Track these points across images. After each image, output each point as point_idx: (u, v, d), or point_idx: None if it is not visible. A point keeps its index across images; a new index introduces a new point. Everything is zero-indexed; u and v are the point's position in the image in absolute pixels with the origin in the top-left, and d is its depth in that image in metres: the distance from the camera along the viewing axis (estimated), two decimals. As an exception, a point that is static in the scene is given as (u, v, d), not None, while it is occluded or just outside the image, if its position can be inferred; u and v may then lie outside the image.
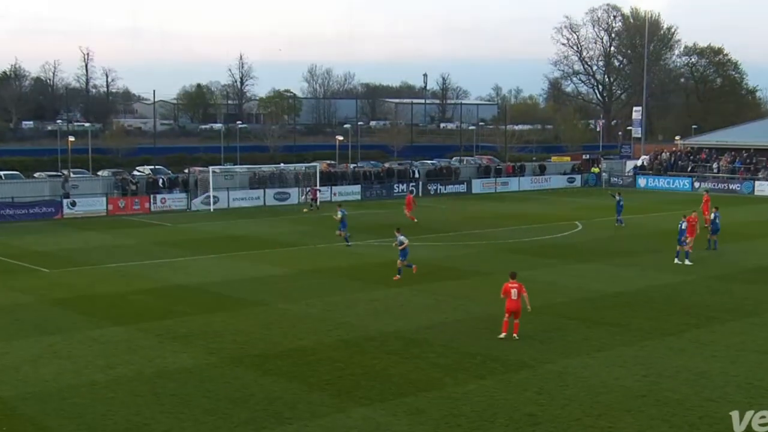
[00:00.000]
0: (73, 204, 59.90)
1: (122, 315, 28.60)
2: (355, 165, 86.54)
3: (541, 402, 19.73)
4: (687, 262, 37.84)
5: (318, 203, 63.88)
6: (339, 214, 45.06)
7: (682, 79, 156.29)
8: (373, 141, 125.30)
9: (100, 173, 78.75)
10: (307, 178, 70.65)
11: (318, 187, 66.95)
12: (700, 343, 24.80)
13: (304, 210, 62.61)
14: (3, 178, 70.89)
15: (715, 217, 41.72)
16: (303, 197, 65.88)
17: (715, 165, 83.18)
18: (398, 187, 75.19)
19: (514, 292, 24.58)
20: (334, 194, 70.60)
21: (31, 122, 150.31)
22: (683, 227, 38.34)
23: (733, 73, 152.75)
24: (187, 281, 34.92)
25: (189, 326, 27.00)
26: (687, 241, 38.27)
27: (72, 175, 72.17)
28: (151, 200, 63.05)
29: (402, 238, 34.82)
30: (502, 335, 24.83)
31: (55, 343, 24.99)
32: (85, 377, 21.63)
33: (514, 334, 24.78)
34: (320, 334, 25.87)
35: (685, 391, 20.40)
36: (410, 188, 68.69)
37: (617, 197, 51.85)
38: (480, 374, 21.83)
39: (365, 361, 22.96)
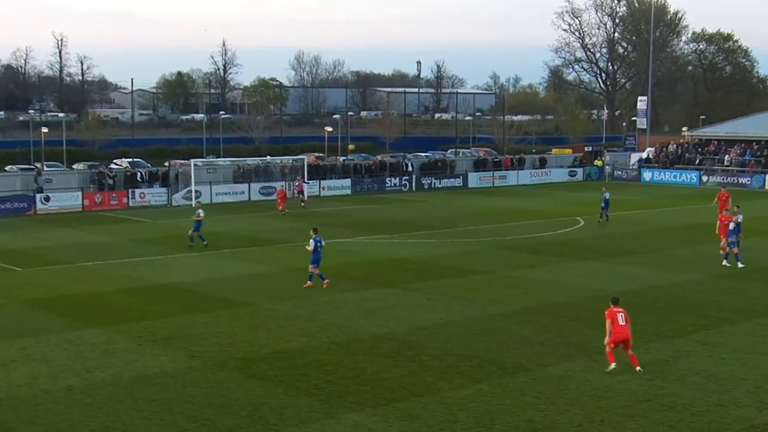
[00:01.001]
0: (47, 199, 59.81)
1: (100, 316, 28.61)
2: (345, 158, 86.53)
3: (540, 407, 19.80)
4: (739, 264, 36.72)
5: (305, 196, 63.91)
6: (200, 214, 42.82)
7: (690, 67, 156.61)
8: (364, 132, 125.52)
9: (75, 167, 78.68)
10: (294, 172, 70.53)
11: (305, 180, 66.93)
12: (709, 345, 24.92)
13: (302, 204, 62.52)
14: (-28, 171, 70.93)
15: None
16: (290, 192, 65.76)
17: (726, 158, 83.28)
18: (390, 181, 75.34)
19: (621, 317, 22.23)
20: (323, 188, 70.69)
21: (2, 112, 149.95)
22: (731, 227, 37.14)
23: (744, 60, 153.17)
24: (167, 280, 34.93)
25: (170, 328, 27.01)
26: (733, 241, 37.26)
27: (45, 168, 72.14)
28: (130, 195, 63.00)
29: (317, 239, 32.63)
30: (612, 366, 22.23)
31: (29, 346, 24.97)
32: (61, 382, 21.64)
33: (637, 368, 22.21)
34: (308, 336, 25.90)
35: (691, 395, 20.51)
36: (281, 184, 65.49)
37: (604, 192, 51.66)
38: (476, 378, 21.90)
39: (356, 365, 23.01)
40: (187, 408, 19.76)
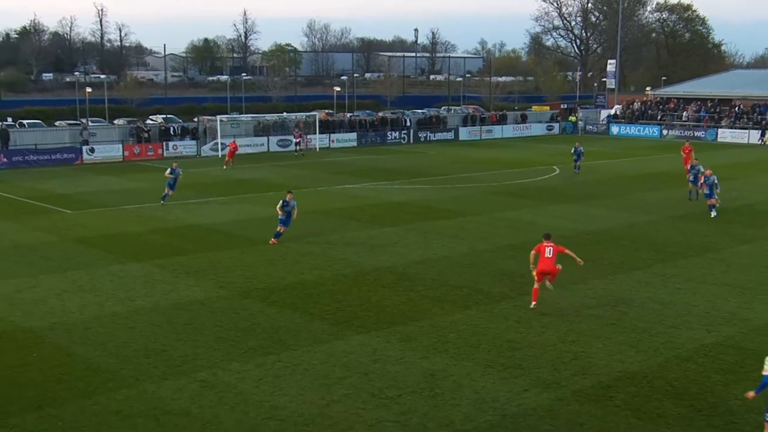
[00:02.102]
0: (92, 150, 59.84)
1: (139, 252, 28.78)
2: (351, 114, 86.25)
3: (520, 330, 20.04)
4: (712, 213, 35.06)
5: (302, 147, 64.02)
6: (169, 172, 39.30)
7: (654, 34, 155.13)
8: (367, 92, 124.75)
9: (116, 122, 78.47)
10: (307, 127, 70.52)
11: (301, 132, 66.88)
12: (665, 277, 25.12)
13: (302, 154, 62.69)
14: (26, 126, 70.64)
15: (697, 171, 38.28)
16: (296, 144, 65.80)
17: (683, 114, 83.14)
18: (391, 134, 75.05)
19: (548, 251, 21.53)
20: (332, 141, 70.64)
21: (51, 74, 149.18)
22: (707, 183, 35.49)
23: (701, 28, 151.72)
24: (198, 221, 35.05)
25: (201, 262, 27.20)
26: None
27: (90, 123, 71.85)
28: (164, 147, 62.95)
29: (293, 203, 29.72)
30: (533, 305, 21.74)
31: (79, 278, 25.19)
32: (107, 309, 21.86)
33: (548, 284, 22.06)
34: (321, 270, 26.10)
35: (650, 319, 20.74)
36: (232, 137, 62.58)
37: (577, 146, 50.63)
38: (465, 305, 22.12)
39: (362, 294, 23.23)
40: (216, 331, 20.00)
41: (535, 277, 21.67)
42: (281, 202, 29.65)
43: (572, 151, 50.20)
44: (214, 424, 14.78)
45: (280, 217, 29.63)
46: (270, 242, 29.72)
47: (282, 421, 14.91)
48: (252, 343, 19.01)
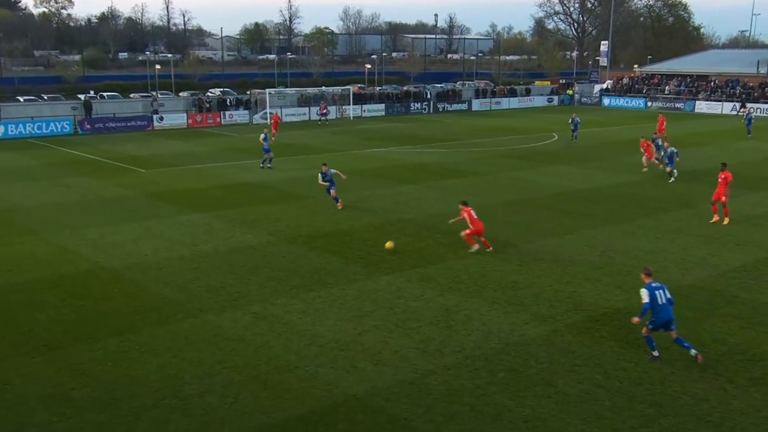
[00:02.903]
0: (161, 119, 60.06)
1: (202, 205, 29.02)
2: (380, 88, 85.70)
3: (522, 272, 20.09)
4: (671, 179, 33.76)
5: (326, 118, 63.68)
6: (263, 138, 37.95)
7: (642, 18, 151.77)
8: (394, 69, 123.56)
9: (181, 94, 78.45)
10: (343, 99, 70.26)
11: (325, 104, 66.64)
12: (647, 228, 24.99)
13: (325, 123, 62.48)
14: (106, 98, 70.95)
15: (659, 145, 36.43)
16: (321, 114, 65.21)
17: (666, 88, 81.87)
18: (414, 105, 74.59)
19: (474, 213, 21.76)
20: (364, 111, 70.34)
21: (126, 54, 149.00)
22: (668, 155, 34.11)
23: (683, 13, 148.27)
24: (251, 179, 35.22)
25: (253, 214, 27.39)
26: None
27: (159, 96, 72.00)
28: (221, 116, 63.00)
29: (332, 171, 28.17)
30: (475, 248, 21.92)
31: (152, 226, 25.48)
32: (175, 252, 22.13)
33: (489, 248, 21.97)
34: (354, 221, 26.21)
35: (633, 264, 20.66)
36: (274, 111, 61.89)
37: (574, 117, 49.34)
38: (475, 251, 22.17)
39: (388, 240, 23.34)
40: (266, 271, 20.21)
41: (470, 238, 21.79)
42: (320, 175, 28.07)
43: (569, 121, 49.54)
44: (265, 349, 15.03)
45: (327, 187, 28.10)
46: (339, 207, 27.74)
47: (321, 346, 15.13)
48: (296, 282, 19.21)
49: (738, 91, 75.46)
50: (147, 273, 20.02)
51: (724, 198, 25.41)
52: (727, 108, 72.87)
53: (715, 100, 75.47)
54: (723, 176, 25.57)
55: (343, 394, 13.10)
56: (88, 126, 56.72)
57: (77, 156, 43.71)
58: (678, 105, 77.11)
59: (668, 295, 14.19)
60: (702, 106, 75.14)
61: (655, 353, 14.46)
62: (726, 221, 25.34)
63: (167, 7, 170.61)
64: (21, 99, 70.12)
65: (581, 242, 23.18)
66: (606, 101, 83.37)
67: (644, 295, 13.95)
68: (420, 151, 45.04)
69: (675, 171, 34.06)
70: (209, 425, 12.06)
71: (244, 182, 34.40)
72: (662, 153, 35.31)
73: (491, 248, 22.01)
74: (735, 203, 29.10)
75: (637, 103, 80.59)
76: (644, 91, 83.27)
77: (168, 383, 13.51)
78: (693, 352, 14.19)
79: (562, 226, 25.38)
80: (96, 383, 13.52)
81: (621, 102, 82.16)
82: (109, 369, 14.11)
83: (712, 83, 79.22)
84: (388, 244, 21.96)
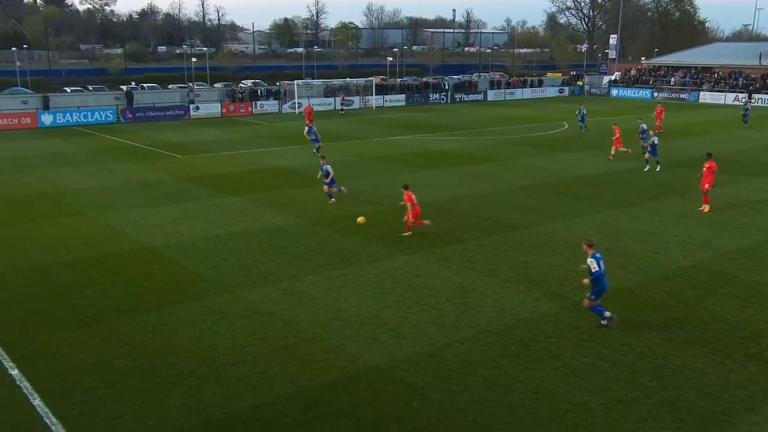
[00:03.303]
0: (197, 108, 60.28)
1: (235, 188, 29.17)
2: (401, 79, 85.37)
3: (533, 252, 20.03)
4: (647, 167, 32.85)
5: (345, 107, 63.37)
6: (306, 131, 37.03)
7: (649, 13, 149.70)
8: (414, 61, 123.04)
9: (215, 85, 78.75)
10: (366, 90, 70.09)
11: (345, 95, 66.35)
12: (652, 212, 24.79)
13: (343, 113, 62.36)
14: (146, 89, 71.32)
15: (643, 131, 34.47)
16: (341, 104, 65.05)
17: (671, 79, 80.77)
18: (433, 96, 74.25)
19: (415, 198, 21.29)
20: (386, 101, 70.13)
21: (164, 47, 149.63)
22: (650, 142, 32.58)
23: (689, 7, 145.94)
24: (280, 164, 35.31)
25: (282, 197, 27.47)
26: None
27: (195, 86, 72.27)
28: (253, 105, 63.11)
29: (327, 167, 26.19)
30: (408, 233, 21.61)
31: (188, 208, 25.66)
32: (211, 232, 22.28)
33: (426, 222, 21.81)
34: (375, 204, 26.20)
35: (638, 246, 20.58)
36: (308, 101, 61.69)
37: (581, 108, 47.95)
38: (490, 233, 22.13)
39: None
40: (294, 251, 20.30)
41: (413, 223, 21.41)
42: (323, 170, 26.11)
43: (576, 112, 48.69)
44: (293, 322, 15.14)
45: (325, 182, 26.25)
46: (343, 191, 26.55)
47: (345, 321, 15.21)
48: (322, 261, 19.28)
49: (741, 83, 74.25)
50: (184, 251, 20.18)
51: (707, 186, 24.77)
52: (730, 98, 71.81)
53: (718, 91, 74.40)
54: (708, 165, 24.95)
55: (365, 364, 13.18)
56: (130, 115, 57.08)
57: (120, 143, 44.05)
58: (683, 96, 76.12)
59: (604, 265, 14.52)
60: (706, 97, 74.13)
61: (607, 313, 14.68)
62: (706, 209, 24.71)
63: (203, 4, 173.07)
64: (68, 90, 70.69)
65: (589, 225, 23.05)
66: (614, 92, 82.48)
67: (594, 264, 14.19)
68: (438, 139, 44.89)
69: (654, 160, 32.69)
70: (241, 393, 12.20)
71: (274, 167, 34.50)
72: (648, 142, 33.12)
73: (411, 233, 21.43)
74: (737, 189, 28.84)
75: (644, 93, 79.65)
76: (651, 82, 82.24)
77: (203, 353, 13.66)
78: (604, 321, 14.65)
79: (571, 209, 25.24)
80: (137, 353, 13.71)
81: (629, 93, 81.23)
82: (149, 340, 14.29)
83: (716, 75, 78.06)
84: (360, 219, 22.09)
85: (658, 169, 32.52)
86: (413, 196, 21.42)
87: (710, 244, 20.85)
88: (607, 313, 14.68)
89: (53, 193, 28.73)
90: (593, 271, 14.19)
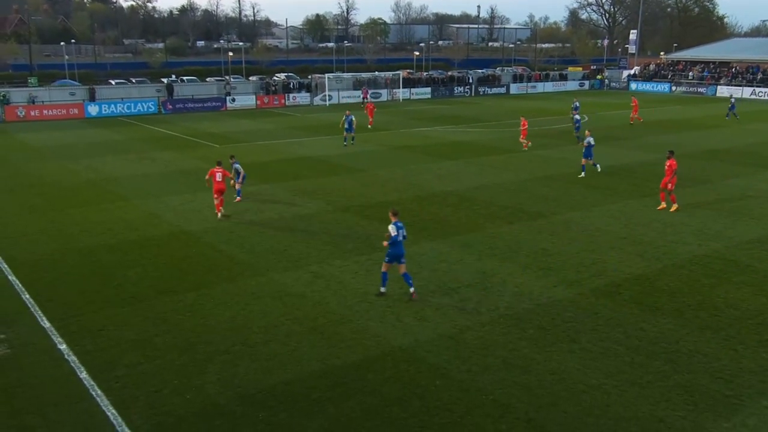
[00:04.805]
0: (233, 100, 60.57)
1: (268, 176, 29.27)
2: (427, 73, 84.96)
3: (552, 240, 19.91)
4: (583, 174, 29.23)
5: (368, 99, 62.84)
6: (344, 119, 37.55)
7: (669, 9, 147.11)
8: (439, 55, 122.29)
9: (250, 78, 78.92)
10: (393, 83, 69.90)
11: (367, 88, 66.05)
12: (668, 202, 24.42)
13: (362, 105, 62.03)
14: (185, 81, 71.80)
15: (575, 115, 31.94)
16: (363, 97, 64.44)
17: (690, 74, 79.40)
18: (457, 89, 73.80)
19: (219, 175, 21.65)
20: (412, 94, 69.88)
21: (203, 42, 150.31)
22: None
23: (708, 3, 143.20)
24: (311, 154, 35.41)
25: (313, 185, 27.56)
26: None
27: (231, 79, 72.60)
28: (286, 98, 63.26)
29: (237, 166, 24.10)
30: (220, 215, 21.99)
31: (224, 195, 25.63)
32: (245, 218, 22.38)
33: (220, 213, 22.05)
34: (401, 192, 26.22)
35: (654, 235, 20.36)
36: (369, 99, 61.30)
37: (574, 101, 45.97)
38: (510, 221, 22.04)
39: (432, 211, 23.32)
40: (323, 236, 20.36)
41: (214, 196, 21.96)
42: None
43: (572, 108, 45.13)
44: (322, 304, 15.24)
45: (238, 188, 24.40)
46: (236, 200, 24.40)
47: (371, 303, 15.27)
48: (350, 246, 19.35)
49: (759, 77, 72.82)
50: (220, 236, 20.33)
51: (669, 186, 23.19)
52: (747, 92, 70.50)
53: (735, 85, 73.02)
54: (668, 164, 23.15)
55: (389, 345, 13.23)
56: (170, 106, 57.57)
57: (161, 132, 44.46)
58: (701, 89, 74.80)
59: (405, 234, 15.21)
60: (723, 91, 72.76)
61: (383, 289, 15.38)
62: (674, 208, 23.17)
63: (239, 1, 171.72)
64: (112, 82, 71.51)
65: (606, 214, 22.84)
66: (633, 86, 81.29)
67: (392, 230, 14.93)
68: (462, 130, 44.68)
69: (597, 165, 29.78)
70: (273, 369, 12.32)
71: (305, 157, 34.60)
72: (584, 143, 29.11)
73: (223, 214, 22.02)
74: (752, 180, 28.36)
75: (662, 87, 78.40)
76: (669, 76, 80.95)
77: (237, 332, 13.81)
78: (412, 290, 15.22)
79: (588, 199, 25.02)
80: (176, 331, 13.89)
81: (647, 86, 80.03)
82: (187, 319, 14.48)
83: (733, 69, 76.62)
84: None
85: (598, 170, 29.66)
86: (218, 173, 21.79)
87: (725, 234, 20.55)
88: (383, 289, 15.40)
89: (98, 180, 29.11)
90: (392, 235, 14.89)
